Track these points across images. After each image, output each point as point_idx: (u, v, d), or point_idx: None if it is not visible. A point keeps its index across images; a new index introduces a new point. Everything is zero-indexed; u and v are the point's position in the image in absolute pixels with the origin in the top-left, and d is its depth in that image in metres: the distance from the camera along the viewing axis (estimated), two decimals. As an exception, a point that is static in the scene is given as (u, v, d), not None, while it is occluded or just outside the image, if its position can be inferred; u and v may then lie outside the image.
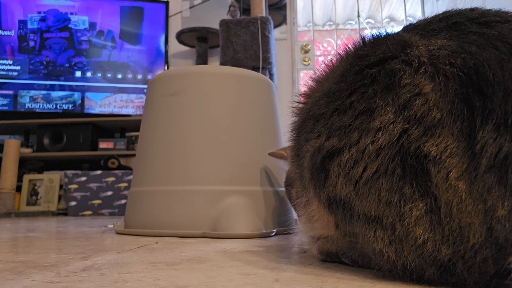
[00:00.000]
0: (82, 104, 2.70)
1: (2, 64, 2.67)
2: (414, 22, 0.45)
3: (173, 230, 0.87)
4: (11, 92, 2.66)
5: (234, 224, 0.84)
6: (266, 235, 0.86)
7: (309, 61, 2.94)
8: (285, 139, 0.84)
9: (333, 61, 0.50)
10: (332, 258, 0.50)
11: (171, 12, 2.98)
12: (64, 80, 2.71)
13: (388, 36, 0.44)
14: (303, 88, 0.54)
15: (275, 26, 2.78)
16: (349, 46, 0.48)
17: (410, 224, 0.35)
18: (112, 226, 1.18)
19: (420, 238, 0.34)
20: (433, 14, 0.44)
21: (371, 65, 0.40)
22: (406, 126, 0.35)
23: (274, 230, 0.89)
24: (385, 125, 0.36)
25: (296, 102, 0.53)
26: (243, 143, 0.94)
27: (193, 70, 1.00)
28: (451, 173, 0.33)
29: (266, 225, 0.89)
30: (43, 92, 2.68)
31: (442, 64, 0.36)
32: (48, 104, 2.67)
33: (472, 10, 0.41)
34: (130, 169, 2.45)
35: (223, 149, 0.92)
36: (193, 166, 0.91)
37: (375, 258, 0.39)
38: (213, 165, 0.91)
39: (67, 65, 2.72)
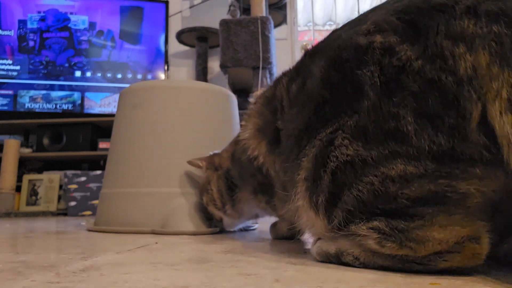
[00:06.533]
0: (81, 104, 2.69)
1: (2, 64, 2.67)
2: None
3: (128, 227, 0.98)
4: (10, 92, 2.65)
5: (181, 222, 0.94)
6: (210, 233, 0.93)
7: (309, 61, 2.94)
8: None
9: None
10: (331, 260, 0.49)
11: (171, 12, 2.97)
12: (64, 80, 2.71)
13: None
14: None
15: (275, 26, 2.78)
16: None
17: None
18: (85, 223, 1.33)
19: None
20: None
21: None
22: None
23: (218, 228, 0.95)
24: None
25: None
26: (193, 150, 1.02)
27: (154, 84, 1.15)
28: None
29: (210, 223, 0.96)
30: (43, 92, 2.68)
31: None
32: (47, 104, 2.67)
33: None
34: (130, 169, 2.44)
35: (174, 156, 1.03)
36: (146, 170, 1.03)
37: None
38: (163, 170, 1.02)
39: (66, 65, 2.72)
